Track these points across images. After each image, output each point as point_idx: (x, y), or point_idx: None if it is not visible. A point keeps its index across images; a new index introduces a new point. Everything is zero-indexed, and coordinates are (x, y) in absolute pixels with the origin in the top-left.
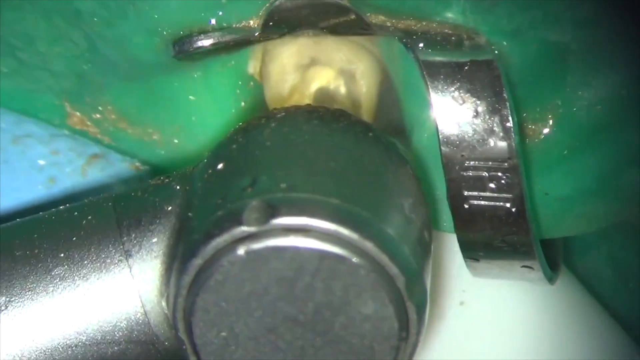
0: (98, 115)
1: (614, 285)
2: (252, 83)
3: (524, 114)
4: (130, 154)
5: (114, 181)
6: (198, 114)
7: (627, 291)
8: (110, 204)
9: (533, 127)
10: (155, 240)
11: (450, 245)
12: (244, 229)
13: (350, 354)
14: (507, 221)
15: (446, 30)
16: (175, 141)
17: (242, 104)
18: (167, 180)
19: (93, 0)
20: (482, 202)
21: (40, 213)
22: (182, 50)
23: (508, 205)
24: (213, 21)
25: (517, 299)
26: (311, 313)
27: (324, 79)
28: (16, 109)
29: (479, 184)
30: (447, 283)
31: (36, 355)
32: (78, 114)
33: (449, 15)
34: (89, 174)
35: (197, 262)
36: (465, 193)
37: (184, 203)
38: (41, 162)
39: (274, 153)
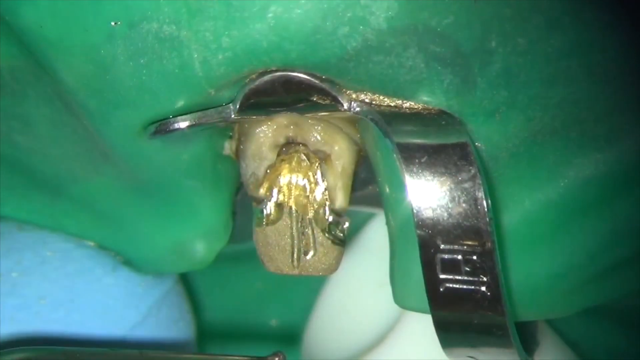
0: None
1: None
2: (228, 163)
3: (507, 192)
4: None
5: None
6: (175, 197)
7: None
8: None
9: (515, 204)
10: None
11: None
12: None
13: None
14: (482, 305)
15: (422, 112)
16: (156, 228)
17: (219, 184)
18: None
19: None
20: (457, 286)
21: None
22: (158, 131)
23: (483, 288)
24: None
25: None
26: None
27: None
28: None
29: (454, 267)
30: None
31: None
32: None
33: (427, 98)
34: None
35: None
36: (441, 276)
37: None
38: None
39: None
